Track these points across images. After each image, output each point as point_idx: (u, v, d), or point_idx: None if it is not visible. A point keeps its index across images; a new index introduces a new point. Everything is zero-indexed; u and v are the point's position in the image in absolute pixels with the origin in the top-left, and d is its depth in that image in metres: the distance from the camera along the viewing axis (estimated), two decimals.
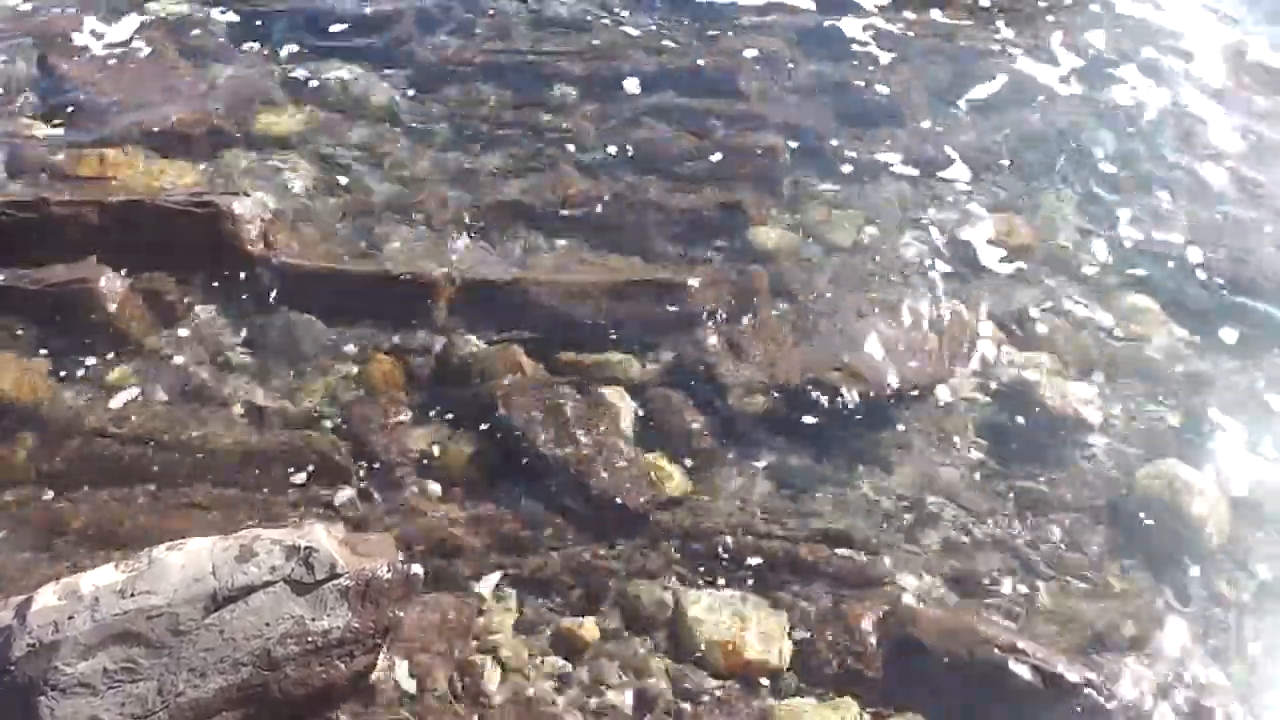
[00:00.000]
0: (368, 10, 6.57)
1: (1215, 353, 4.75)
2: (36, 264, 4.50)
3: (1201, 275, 5.09)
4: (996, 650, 3.47)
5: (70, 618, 3.04)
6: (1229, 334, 4.83)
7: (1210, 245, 5.23)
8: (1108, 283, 5.04)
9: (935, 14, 6.86)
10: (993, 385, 4.54)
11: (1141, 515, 4.08)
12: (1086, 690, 3.39)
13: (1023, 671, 3.41)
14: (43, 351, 4.33)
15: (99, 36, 6.16)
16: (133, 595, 3.10)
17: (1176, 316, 4.89)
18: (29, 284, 4.42)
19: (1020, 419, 4.41)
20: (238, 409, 4.26)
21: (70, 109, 5.59)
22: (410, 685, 3.43)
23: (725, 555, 3.89)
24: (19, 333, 4.36)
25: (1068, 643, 3.66)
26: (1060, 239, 5.28)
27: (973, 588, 3.84)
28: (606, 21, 6.58)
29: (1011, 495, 4.16)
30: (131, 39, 6.18)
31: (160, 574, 3.15)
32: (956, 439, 4.35)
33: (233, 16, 6.45)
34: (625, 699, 3.49)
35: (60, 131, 5.45)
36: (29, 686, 2.95)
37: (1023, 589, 3.85)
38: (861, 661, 3.60)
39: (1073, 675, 3.41)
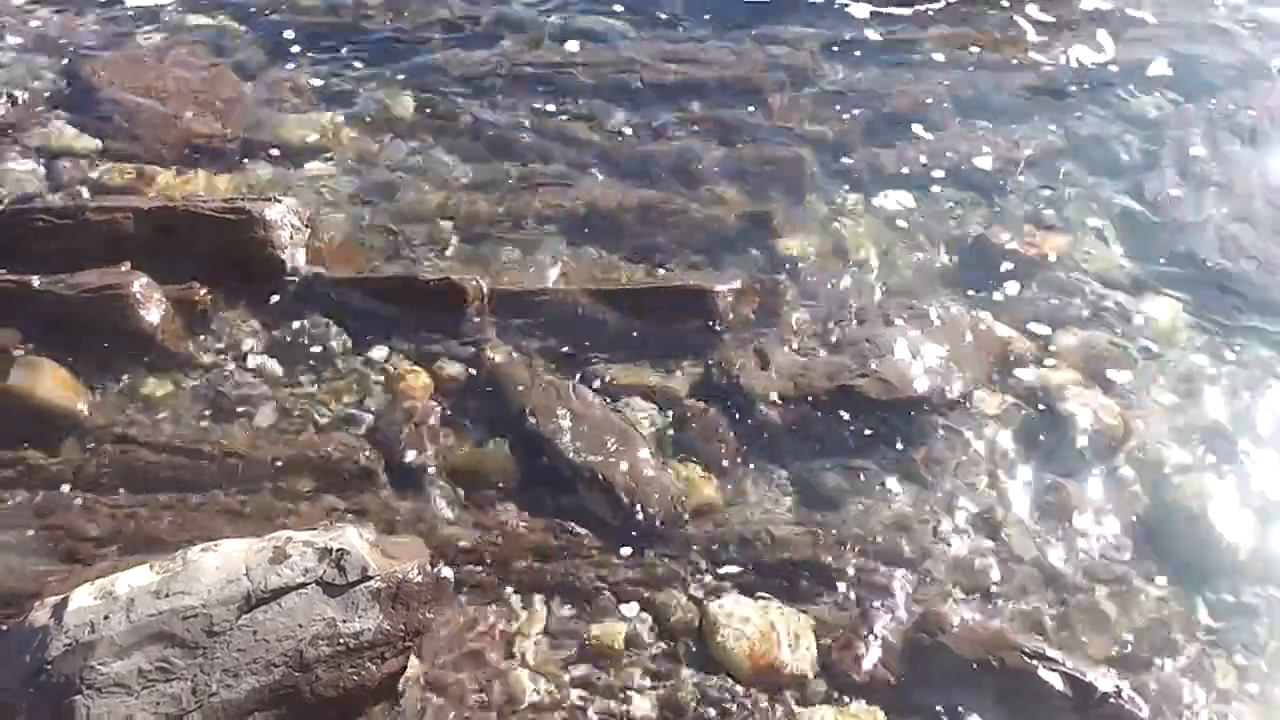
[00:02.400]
0: (396, 23, 6.63)
1: (1244, 364, 4.73)
2: (71, 269, 4.54)
3: (1231, 285, 5.06)
4: (1026, 658, 3.45)
5: (106, 618, 3.08)
6: (1258, 345, 4.80)
7: (1240, 255, 5.21)
8: (1136, 293, 5.02)
9: (961, 26, 6.86)
10: (1020, 395, 4.53)
11: (1170, 527, 4.07)
12: (1117, 699, 3.38)
13: (1053, 679, 3.40)
14: (77, 356, 4.36)
15: (133, 49, 6.23)
16: (167, 596, 3.13)
17: (1205, 327, 4.87)
18: (64, 289, 4.45)
19: (1047, 429, 4.39)
20: (269, 414, 4.29)
21: (105, 120, 5.65)
22: (440, 690, 3.45)
23: (752, 563, 3.90)
24: (54, 337, 4.40)
25: (1096, 652, 3.65)
26: (1088, 249, 5.26)
27: (1001, 597, 3.83)
28: (634, 33, 6.61)
29: (1039, 505, 4.15)
30: (164, 51, 6.25)
31: (195, 575, 3.19)
32: (984, 448, 4.34)
33: (263, 28, 6.52)
34: (652, 705, 3.49)
35: (95, 142, 5.52)
36: (65, 686, 2.99)
37: (1051, 599, 3.84)
38: (888, 669, 3.60)
39: (1103, 684, 3.40)
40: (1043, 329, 4.82)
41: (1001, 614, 3.77)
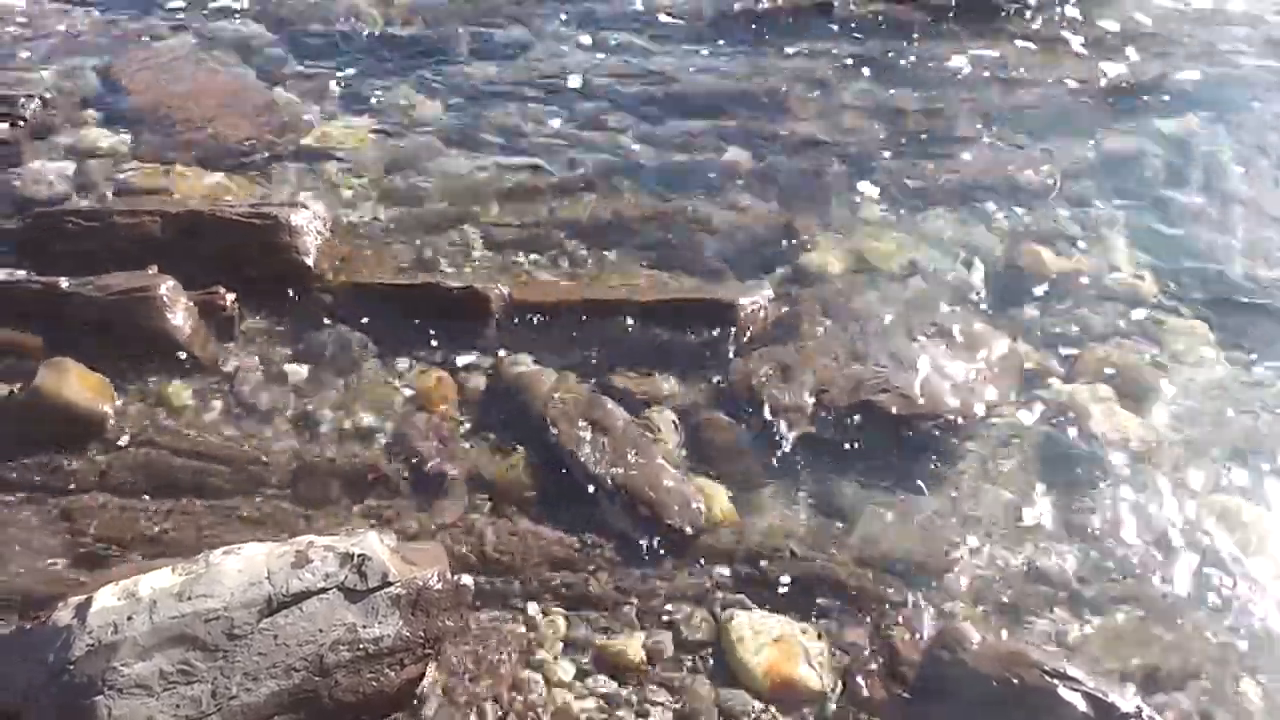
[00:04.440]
0: (423, 31, 6.68)
1: (1271, 382, 4.69)
2: (99, 271, 4.58)
3: (1259, 303, 5.03)
4: (1046, 676, 3.43)
5: (129, 619, 3.09)
6: None
7: (1268, 273, 5.19)
8: (1160, 310, 5.00)
9: (988, 42, 6.86)
10: (1042, 413, 4.51)
11: (1195, 548, 4.04)
12: None
13: (1073, 699, 3.36)
14: (103, 358, 4.38)
15: (162, 52, 6.28)
16: (190, 598, 3.14)
17: (1232, 345, 4.84)
18: (92, 291, 4.49)
19: (1070, 448, 4.37)
20: (291, 421, 4.32)
21: (133, 123, 5.70)
22: (458, 698, 3.44)
23: (771, 577, 3.89)
24: (80, 339, 4.42)
25: (1118, 673, 3.62)
26: (1113, 266, 5.24)
27: (1022, 615, 3.81)
28: (660, 46, 6.64)
29: (1061, 524, 4.12)
30: (193, 55, 6.30)
31: (217, 578, 3.20)
32: (1006, 466, 4.31)
33: (292, 34, 6.57)
34: (670, 719, 3.48)
35: (124, 145, 5.56)
36: (87, 686, 3.00)
37: (1073, 618, 3.81)
38: (906, 686, 3.57)
39: (1125, 704, 3.36)
40: (1067, 346, 4.80)
41: (1022, 632, 3.75)
